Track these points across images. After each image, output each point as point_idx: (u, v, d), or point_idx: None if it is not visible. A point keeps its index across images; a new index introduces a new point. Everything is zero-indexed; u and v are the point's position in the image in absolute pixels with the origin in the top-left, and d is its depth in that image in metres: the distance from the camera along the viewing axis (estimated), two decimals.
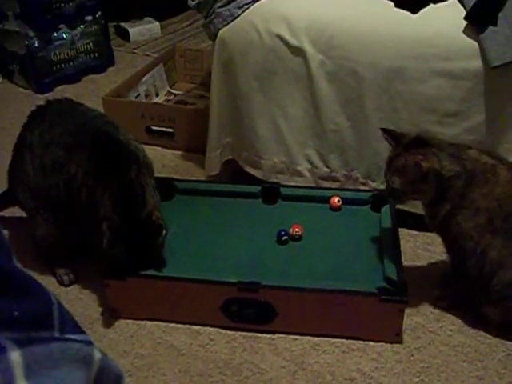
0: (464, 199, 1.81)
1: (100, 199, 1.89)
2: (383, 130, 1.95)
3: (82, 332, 0.78)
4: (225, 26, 2.30)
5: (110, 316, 2.00)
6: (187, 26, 4.45)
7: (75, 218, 2.01)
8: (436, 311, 2.00)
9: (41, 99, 3.43)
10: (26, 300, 0.73)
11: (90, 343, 0.76)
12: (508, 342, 1.89)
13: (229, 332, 1.94)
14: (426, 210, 1.93)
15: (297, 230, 2.12)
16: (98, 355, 0.75)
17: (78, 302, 2.07)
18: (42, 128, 2.06)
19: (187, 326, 1.96)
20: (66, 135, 2.01)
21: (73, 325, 0.77)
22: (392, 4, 2.13)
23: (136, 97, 3.15)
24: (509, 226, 1.79)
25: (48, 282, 2.12)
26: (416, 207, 2.24)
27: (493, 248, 1.80)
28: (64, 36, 3.61)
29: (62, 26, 3.59)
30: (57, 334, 0.73)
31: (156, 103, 3.19)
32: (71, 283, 2.15)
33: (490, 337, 1.91)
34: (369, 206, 2.25)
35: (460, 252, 1.87)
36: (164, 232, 1.94)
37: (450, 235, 1.88)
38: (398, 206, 2.18)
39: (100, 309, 2.04)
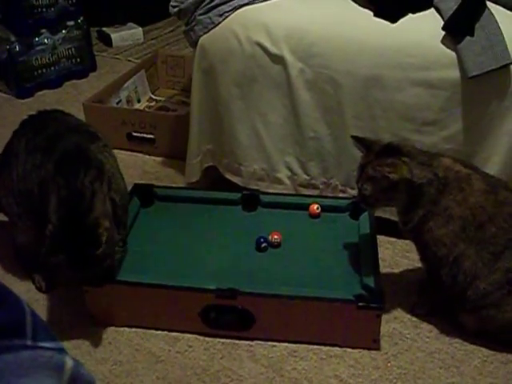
0: (437, 206, 1.82)
1: (48, 200, 1.84)
2: (354, 137, 1.97)
3: (55, 339, 0.79)
4: (205, 33, 2.31)
5: (89, 322, 2.00)
6: (170, 32, 4.45)
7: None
8: (413, 318, 2.02)
9: (22, 104, 3.45)
10: None
11: (62, 351, 0.76)
12: (484, 349, 1.90)
13: (207, 339, 1.94)
14: (400, 217, 1.95)
15: (276, 237, 2.13)
16: (69, 363, 0.75)
17: (57, 308, 2.07)
18: (28, 136, 2.07)
19: (166, 332, 1.96)
20: (44, 140, 2.02)
21: (46, 333, 0.78)
22: (371, 13, 2.15)
23: (117, 103, 3.15)
24: (482, 235, 1.80)
25: (27, 288, 2.12)
26: (393, 214, 2.27)
27: (466, 257, 1.81)
28: (45, 41, 3.60)
29: (43, 30, 3.58)
30: (29, 342, 0.73)
31: (137, 109, 3.19)
32: (49, 290, 2.14)
33: (466, 343, 1.93)
34: (348, 213, 2.26)
35: (433, 259, 1.89)
36: (113, 248, 1.85)
37: (423, 242, 1.89)
38: (377, 214, 2.20)
39: (78, 315, 2.03)
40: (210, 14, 2.29)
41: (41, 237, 2.04)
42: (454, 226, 1.81)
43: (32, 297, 2.07)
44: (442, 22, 2.06)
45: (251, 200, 2.32)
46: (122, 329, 1.98)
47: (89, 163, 1.91)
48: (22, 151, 2.04)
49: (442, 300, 1.99)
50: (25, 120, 2.17)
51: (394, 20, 2.12)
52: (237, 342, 1.93)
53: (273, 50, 2.22)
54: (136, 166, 2.85)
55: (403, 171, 1.80)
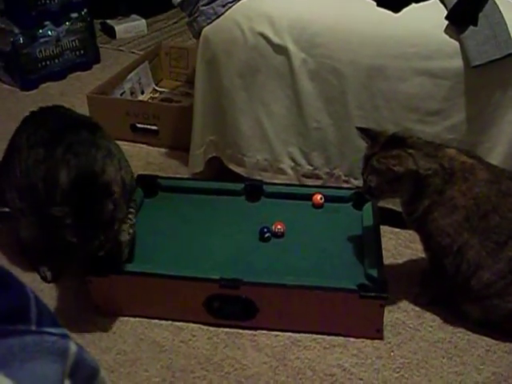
0: (442, 196, 1.82)
1: (57, 180, 1.84)
2: (359, 128, 1.97)
3: (59, 325, 0.79)
4: (208, 24, 2.31)
5: (93, 312, 2.01)
6: (173, 24, 4.44)
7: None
8: (416, 308, 2.02)
9: (26, 96, 3.45)
10: (2, 294, 0.74)
11: (66, 336, 0.77)
12: (487, 338, 1.91)
13: (211, 328, 1.95)
14: (404, 208, 1.95)
15: (279, 227, 2.13)
16: (73, 348, 0.76)
17: (62, 298, 2.08)
18: (29, 131, 2.08)
19: (170, 322, 1.97)
20: (46, 133, 2.03)
21: (50, 318, 0.78)
22: (374, 3, 2.15)
23: (121, 94, 3.15)
24: (486, 225, 1.81)
25: (32, 278, 2.13)
26: (397, 205, 2.27)
27: (470, 247, 1.81)
28: (49, 33, 3.60)
29: (47, 22, 3.58)
30: (33, 328, 0.73)
31: (141, 101, 3.19)
32: (54, 279, 2.15)
33: (469, 333, 1.93)
34: (351, 203, 2.26)
35: (437, 249, 1.89)
36: (122, 216, 1.86)
37: (427, 232, 1.89)
38: (380, 204, 2.20)
39: (83, 305, 2.04)
40: (213, 5, 2.29)
41: (44, 232, 2.06)
42: (458, 215, 1.82)
43: (37, 287, 2.08)
44: (445, 12, 2.06)
45: (254, 190, 2.33)
46: (126, 318, 1.99)
47: (98, 145, 1.93)
48: (23, 147, 2.05)
49: (444, 290, 1.99)
50: (26, 116, 2.19)
51: (397, 10, 2.12)
52: (240, 331, 1.94)
53: (276, 40, 2.22)
54: (140, 157, 2.86)
55: (408, 163, 1.80)
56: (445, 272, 1.88)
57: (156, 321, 1.98)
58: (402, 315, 1.99)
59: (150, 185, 2.34)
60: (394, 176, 1.82)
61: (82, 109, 3.00)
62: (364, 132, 1.95)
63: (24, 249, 2.20)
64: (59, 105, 2.29)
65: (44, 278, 2.15)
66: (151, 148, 2.96)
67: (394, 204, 2.24)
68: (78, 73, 3.76)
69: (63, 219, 1.77)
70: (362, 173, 1.93)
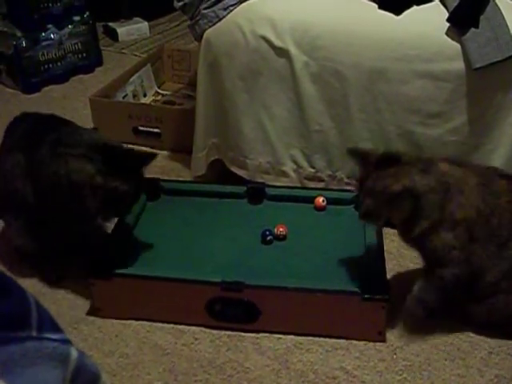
0: (442, 213, 1.78)
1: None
2: (349, 150, 1.93)
3: (60, 331, 0.79)
4: (210, 27, 2.31)
5: (95, 315, 2.01)
6: (176, 27, 4.45)
7: (50, 221, 2.03)
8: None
9: (28, 99, 3.46)
10: (3, 300, 0.74)
11: (67, 342, 0.77)
12: (490, 340, 1.90)
13: (213, 331, 1.95)
14: (400, 228, 1.90)
15: (281, 229, 2.13)
16: (74, 354, 0.76)
17: (64, 301, 2.08)
18: (6, 136, 2.12)
19: (172, 325, 1.97)
20: (24, 137, 2.07)
21: (51, 324, 0.78)
22: (375, 6, 2.15)
23: (123, 97, 3.16)
24: (486, 230, 1.79)
25: (32, 282, 2.13)
26: None
27: (474, 254, 1.80)
28: (52, 36, 3.61)
29: (49, 25, 3.59)
30: (34, 333, 0.74)
31: (143, 103, 3.20)
32: (58, 281, 2.15)
33: (472, 335, 1.93)
34: (353, 205, 2.26)
35: (442, 263, 1.84)
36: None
37: (430, 249, 1.84)
38: None
39: (85, 308, 2.04)
40: (215, 8, 2.29)
41: (38, 236, 2.06)
42: (460, 229, 1.78)
43: (38, 290, 2.08)
44: (447, 14, 2.06)
45: (257, 193, 2.33)
46: (128, 322, 1.99)
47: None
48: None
49: (446, 299, 1.94)
50: (7, 126, 2.19)
51: (398, 12, 2.12)
52: (243, 334, 1.94)
53: (277, 43, 2.22)
54: None
55: (405, 181, 1.75)
56: (448, 282, 1.84)
57: (158, 324, 1.98)
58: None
59: (152, 188, 2.34)
60: (391, 196, 1.76)
61: (85, 112, 3.02)
62: (353, 154, 1.89)
63: (22, 256, 2.20)
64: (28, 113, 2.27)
65: (48, 281, 2.15)
66: (153, 151, 2.95)
67: None
68: (81, 76, 3.76)
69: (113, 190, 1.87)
70: (357, 196, 1.89)
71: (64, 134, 2.02)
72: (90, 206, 1.91)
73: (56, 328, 0.79)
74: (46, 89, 3.60)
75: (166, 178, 2.53)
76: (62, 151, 1.94)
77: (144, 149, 2.93)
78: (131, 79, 3.22)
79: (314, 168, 2.38)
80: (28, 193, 2.00)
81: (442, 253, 1.81)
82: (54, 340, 0.75)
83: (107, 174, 1.86)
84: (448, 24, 2.05)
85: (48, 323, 0.77)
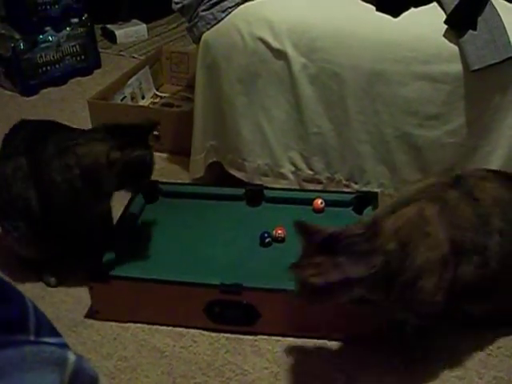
0: (410, 270, 1.61)
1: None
2: (296, 224, 1.66)
3: (58, 335, 0.79)
4: (208, 29, 2.31)
5: (94, 318, 2.01)
6: (174, 29, 4.45)
7: (55, 223, 2.03)
8: None
9: (26, 102, 3.46)
10: (1, 305, 0.74)
11: (64, 346, 0.77)
12: (488, 342, 1.90)
13: (212, 334, 1.95)
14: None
15: (280, 232, 2.13)
16: (72, 358, 0.76)
17: (62, 304, 2.08)
18: (5, 143, 2.11)
19: (170, 327, 1.97)
20: (24, 141, 2.07)
21: (48, 328, 0.79)
22: (373, 8, 2.15)
23: (122, 99, 3.16)
24: (463, 249, 1.66)
25: (31, 285, 2.13)
26: None
27: (461, 277, 1.68)
28: (50, 38, 3.61)
29: (47, 28, 3.59)
30: (32, 338, 0.74)
31: (141, 106, 3.20)
32: (57, 285, 2.15)
33: (470, 337, 1.93)
34: (351, 207, 2.26)
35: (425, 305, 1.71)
36: None
37: (416, 300, 1.69)
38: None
39: (84, 311, 2.04)
40: (213, 10, 2.29)
41: (45, 242, 2.08)
42: (439, 270, 1.63)
43: (37, 294, 2.08)
44: (445, 16, 2.06)
45: (255, 195, 2.33)
46: (126, 324, 1.99)
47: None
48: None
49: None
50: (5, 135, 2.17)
51: (396, 14, 2.12)
52: (241, 336, 1.94)
53: (275, 45, 2.22)
54: None
55: (332, 275, 1.53)
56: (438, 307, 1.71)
57: (157, 326, 1.98)
58: None
59: (150, 190, 2.34)
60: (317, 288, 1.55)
61: (83, 114, 3.02)
62: (300, 229, 1.66)
63: (23, 263, 2.20)
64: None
65: (48, 284, 2.15)
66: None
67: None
68: (79, 78, 3.77)
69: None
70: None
71: (66, 133, 2.07)
72: (108, 186, 1.96)
73: (54, 332, 0.79)
74: (44, 91, 3.61)
75: (164, 180, 2.52)
76: (68, 144, 1.97)
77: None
78: (129, 81, 3.22)
79: (312, 170, 2.38)
80: (31, 196, 2.00)
81: (427, 300, 1.68)
82: (52, 344, 0.75)
83: (121, 149, 1.91)
84: (446, 26, 2.06)
85: (46, 327, 0.78)
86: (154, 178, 2.45)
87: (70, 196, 1.96)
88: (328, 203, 2.27)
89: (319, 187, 2.39)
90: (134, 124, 2.06)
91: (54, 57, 3.65)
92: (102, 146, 1.92)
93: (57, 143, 1.99)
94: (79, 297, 2.09)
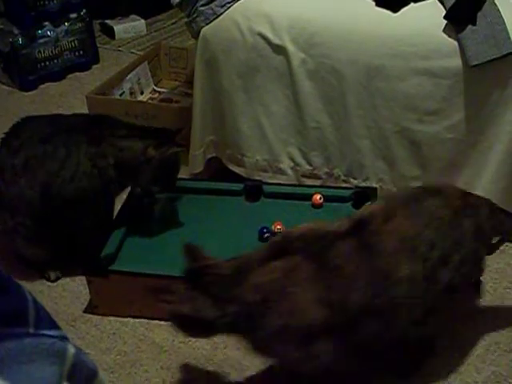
0: (266, 329, 1.48)
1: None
2: (185, 247, 1.62)
3: (57, 328, 0.79)
4: (207, 24, 2.31)
5: (93, 313, 2.01)
6: (173, 24, 4.44)
7: (61, 218, 2.04)
8: None
9: (25, 97, 3.45)
10: (0, 297, 0.74)
11: (64, 338, 0.77)
12: (487, 337, 1.91)
13: None
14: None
15: (279, 227, 2.13)
16: (72, 350, 0.76)
17: (62, 299, 2.08)
18: (9, 141, 2.10)
19: (169, 322, 1.97)
20: (39, 130, 2.07)
21: (48, 320, 0.78)
22: (373, 3, 2.15)
23: (120, 95, 3.15)
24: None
25: (31, 278, 2.13)
26: None
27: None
28: (48, 33, 3.60)
29: (46, 23, 3.58)
30: (31, 330, 0.73)
31: (140, 101, 3.19)
32: (57, 279, 2.15)
33: (469, 332, 1.93)
34: (350, 203, 2.26)
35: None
36: None
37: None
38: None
39: (83, 306, 2.05)
40: (212, 5, 2.29)
41: (47, 238, 2.07)
42: (301, 341, 1.49)
43: (36, 288, 2.08)
44: (444, 11, 2.06)
45: (254, 190, 2.33)
46: (126, 319, 1.99)
47: None
48: (4, 158, 2.07)
49: None
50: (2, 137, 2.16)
51: (395, 9, 2.12)
52: None
53: (275, 40, 2.22)
54: None
55: (180, 307, 1.49)
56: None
57: (156, 321, 1.98)
58: None
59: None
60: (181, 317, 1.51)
61: (82, 109, 3.01)
62: (187, 251, 1.62)
63: (26, 261, 2.20)
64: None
65: (47, 278, 2.15)
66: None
67: None
68: (77, 73, 3.75)
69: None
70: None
71: (89, 123, 2.16)
72: (143, 181, 2.11)
73: (53, 325, 0.78)
74: (42, 86, 3.60)
75: None
76: (102, 134, 2.07)
77: None
78: (128, 77, 3.21)
79: (311, 165, 2.38)
80: (34, 195, 2.01)
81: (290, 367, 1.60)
82: (52, 336, 0.74)
83: (157, 147, 2.06)
84: (445, 21, 2.05)
85: (45, 320, 0.77)
86: None
87: (96, 182, 2.03)
88: (327, 198, 2.27)
89: (318, 182, 2.39)
90: (163, 128, 2.27)
91: (52, 52, 3.64)
92: (141, 143, 2.07)
93: (86, 132, 2.06)
94: (78, 291, 2.09)
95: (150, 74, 3.39)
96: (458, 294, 1.72)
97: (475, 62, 2.00)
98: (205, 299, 1.47)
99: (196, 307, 1.46)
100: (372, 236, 1.52)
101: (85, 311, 2.03)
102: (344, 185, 2.35)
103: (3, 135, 2.14)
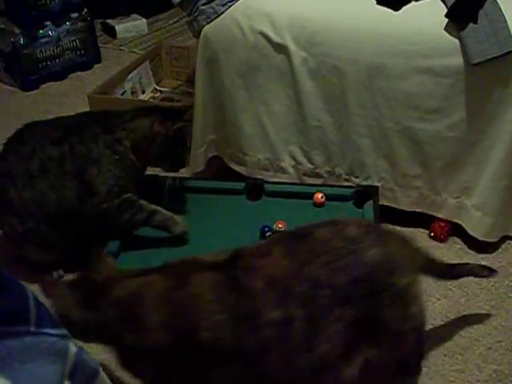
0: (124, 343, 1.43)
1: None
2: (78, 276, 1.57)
3: (59, 326, 0.79)
4: (208, 23, 2.31)
5: None
6: (174, 23, 4.44)
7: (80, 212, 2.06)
8: None
9: (26, 96, 3.46)
10: (2, 296, 0.74)
11: (65, 337, 0.77)
12: (488, 336, 1.91)
13: None
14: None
15: (280, 226, 2.13)
16: (73, 349, 0.76)
17: None
18: (16, 148, 2.09)
19: None
20: (47, 134, 2.07)
21: (49, 319, 0.78)
22: (374, 1, 2.15)
23: (122, 94, 3.15)
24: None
25: (34, 277, 2.11)
26: (398, 203, 2.28)
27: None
28: (50, 33, 3.61)
29: (47, 23, 3.59)
30: (33, 329, 0.74)
31: (142, 100, 3.19)
32: (60, 278, 2.15)
33: (470, 331, 1.93)
34: (352, 201, 2.25)
35: None
36: None
37: None
38: (381, 202, 2.21)
39: None
40: (213, 4, 2.29)
41: (57, 246, 2.11)
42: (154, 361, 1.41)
43: (37, 287, 2.08)
44: (445, 9, 2.06)
45: (255, 189, 2.32)
46: None
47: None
48: (14, 165, 2.06)
49: None
50: (5, 143, 2.15)
51: (396, 8, 2.12)
52: None
53: (276, 39, 2.22)
54: None
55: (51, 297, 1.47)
56: None
57: None
58: None
59: (151, 185, 2.33)
60: None
61: (83, 109, 3.01)
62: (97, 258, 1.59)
63: (30, 263, 2.19)
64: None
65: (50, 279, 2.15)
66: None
67: (395, 202, 2.26)
68: (79, 73, 3.76)
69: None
70: None
71: (101, 116, 2.18)
72: (152, 158, 2.14)
73: (55, 323, 0.79)
74: (44, 86, 3.60)
75: (164, 174, 2.51)
76: (114, 123, 2.10)
77: None
78: (129, 76, 3.22)
79: (312, 164, 2.38)
80: (62, 187, 2.05)
81: None
82: (53, 335, 0.75)
83: (163, 122, 2.09)
84: (446, 19, 2.05)
85: (47, 318, 0.78)
86: (153, 172, 2.46)
87: (121, 165, 2.06)
88: (328, 197, 2.26)
89: (319, 181, 2.39)
90: (170, 106, 2.31)
91: (53, 51, 3.65)
92: (146, 120, 2.10)
93: (98, 125, 2.09)
94: None
95: (151, 73, 3.40)
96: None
97: (476, 61, 2.00)
98: (76, 301, 1.46)
99: (66, 306, 1.46)
100: (242, 272, 1.39)
101: None
102: (345, 183, 2.35)
103: (6, 141, 2.13)
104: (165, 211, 2.10)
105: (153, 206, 2.09)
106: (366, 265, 1.35)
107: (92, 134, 2.06)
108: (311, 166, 2.38)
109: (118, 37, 4.25)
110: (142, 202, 2.09)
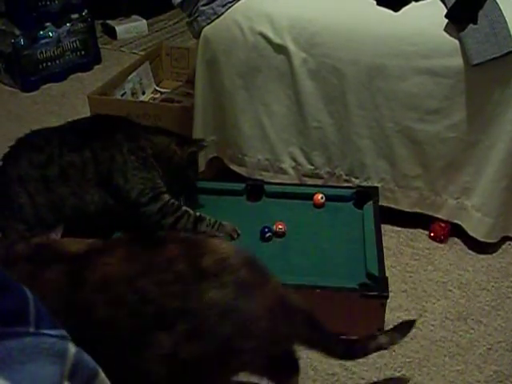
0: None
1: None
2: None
3: (58, 327, 0.79)
4: (208, 24, 2.31)
5: None
6: (174, 24, 4.45)
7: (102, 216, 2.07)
8: (418, 306, 2.03)
9: (27, 97, 3.46)
10: (1, 296, 0.74)
11: (65, 338, 0.77)
12: (489, 337, 1.91)
13: None
14: None
15: (280, 226, 2.13)
16: (72, 350, 0.76)
17: None
18: (28, 155, 2.07)
19: None
20: (64, 140, 2.08)
21: (49, 320, 0.78)
22: (374, 2, 2.15)
23: (122, 95, 3.15)
24: None
25: None
26: (398, 203, 2.28)
27: None
28: (50, 34, 3.61)
29: (48, 24, 3.59)
30: (32, 329, 0.74)
31: (142, 101, 3.19)
32: None
33: (471, 331, 1.93)
34: (352, 202, 2.26)
35: None
36: None
37: None
38: (381, 202, 2.21)
39: None
40: (213, 5, 2.29)
41: None
42: None
43: None
44: (445, 10, 2.06)
45: (256, 190, 2.33)
46: None
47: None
48: (26, 171, 2.05)
49: None
50: (10, 148, 2.12)
51: (396, 8, 2.12)
52: None
53: (276, 40, 2.22)
54: None
55: None
56: None
57: None
58: (403, 314, 1.99)
59: None
60: None
61: (83, 110, 3.02)
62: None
63: None
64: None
65: None
66: None
67: (395, 203, 2.26)
68: (79, 74, 3.77)
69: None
70: None
71: (118, 126, 2.20)
72: (164, 176, 2.15)
73: (54, 324, 0.79)
74: (44, 87, 3.61)
75: None
76: (137, 132, 2.16)
77: None
78: (130, 77, 3.22)
79: (312, 165, 2.38)
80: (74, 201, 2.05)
81: None
82: (52, 336, 0.75)
83: (181, 145, 2.18)
84: (446, 20, 2.05)
85: (46, 319, 0.77)
86: None
87: (147, 169, 2.10)
88: (328, 198, 2.27)
89: (319, 182, 2.39)
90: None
91: (54, 52, 3.65)
92: (167, 138, 2.19)
93: (119, 131, 2.13)
94: None
95: (151, 74, 3.40)
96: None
97: (476, 61, 2.00)
98: None
99: None
100: (87, 266, 1.37)
101: None
102: (345, 184, 2.35)
103: (13, 145, 2.11)
104: (208, 217, 2.13)
105: (196, 212, 2.13)
106: (200, 303, 1.29)
107: (115, 141, 2.09)
108: (311, 167, 2.38)
109: (118, 38, 4.26)
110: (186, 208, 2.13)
